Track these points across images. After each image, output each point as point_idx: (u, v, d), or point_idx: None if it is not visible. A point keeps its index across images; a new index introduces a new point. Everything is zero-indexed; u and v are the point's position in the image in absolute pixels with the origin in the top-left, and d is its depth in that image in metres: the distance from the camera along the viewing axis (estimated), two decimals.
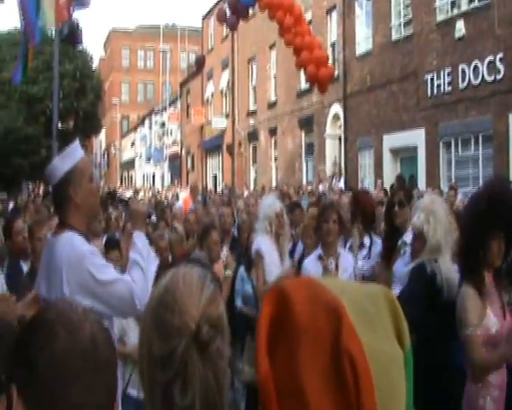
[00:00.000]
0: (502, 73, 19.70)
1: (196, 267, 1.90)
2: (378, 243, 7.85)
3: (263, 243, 7.55)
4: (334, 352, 1.59)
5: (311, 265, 7.19)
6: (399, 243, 7.40)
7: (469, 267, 4.88)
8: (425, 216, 5.67)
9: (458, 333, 4.90)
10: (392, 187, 19.78)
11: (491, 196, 4.88)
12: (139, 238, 4.33)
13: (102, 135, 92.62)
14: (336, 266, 6.98)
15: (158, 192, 37.13)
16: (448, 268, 5.42)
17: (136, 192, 34.84)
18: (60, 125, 28.88)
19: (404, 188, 16.42)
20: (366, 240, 7.94)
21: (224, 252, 8.77)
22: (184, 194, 28.27)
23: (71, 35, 17.06)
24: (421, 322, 5.07)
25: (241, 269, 8.17)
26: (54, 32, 16.23)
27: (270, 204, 7.87)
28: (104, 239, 9.11)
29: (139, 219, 4.46)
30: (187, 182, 51.65)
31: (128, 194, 30.75)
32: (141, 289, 4.07)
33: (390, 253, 7.30)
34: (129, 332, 6.49)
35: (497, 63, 19.81)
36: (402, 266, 6.68)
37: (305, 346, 1.62)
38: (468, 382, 4.87)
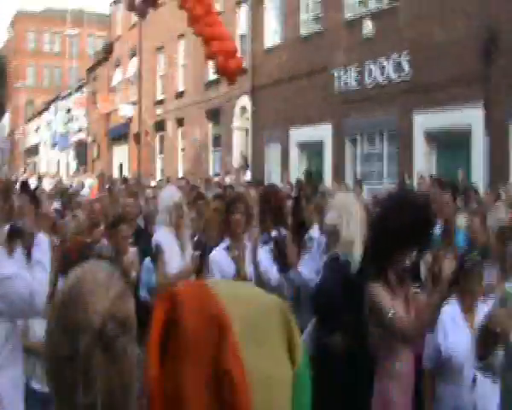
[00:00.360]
0: (406, 72, 20.10)
1: (104, 263, 1.86)
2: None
3: (162, 235, 7.48)
4: (216, 368, 1.59)
5: (219, 256, 7.11)
6: (306, 237, 7.46)
7: (377, 267, 5.00)
8: (338, 213, 5.84)
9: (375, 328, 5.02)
10: (298, 181, 19.96)
11: (415, 213, 4.92)
12: (44, 241, 4.33)
13: (6, 119, 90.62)
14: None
15: (61, 180, 36.46)
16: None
17: (40, 179, 34.10)
18: None
19: (311, 183, 16.62)
20: (274, 234, 7.89)
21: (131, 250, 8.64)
22: (91, 181, 27.88)
23: None
24: (339, 309, 5.28)
25: (147, 260, 8.10)
26: None
27: (170, 195, 7.81)
28: (6, 228, 8.89)
29: (47, 222, 4.38)
30: (92, 170, 51.01)
31: (32, 180, 30.07)
32: (43, 289, 3.98)
33: (296, 247, 7.35)
34: (33, 326, 6.32)
35: (403, 62, 20.20)
36: (310, 262, 6.74)
37: (190, 357, 1.63)
38: (376, 375, 5.00)
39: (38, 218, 4.37)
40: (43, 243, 4.28)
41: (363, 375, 5.31)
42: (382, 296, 4.90)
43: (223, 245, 7.26)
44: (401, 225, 4.80)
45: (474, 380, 5.25)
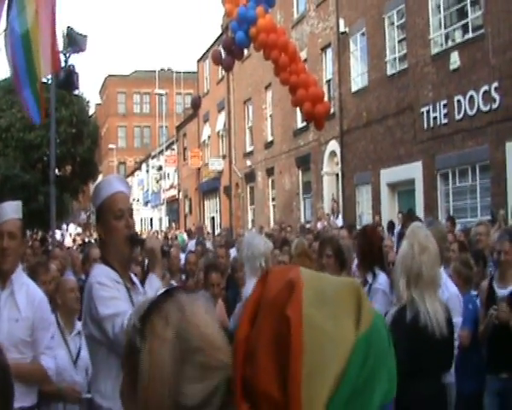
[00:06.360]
0: (497, 102, 19.63)
1: (202, 297, 1.82)
2: (380, 277, 7.48)
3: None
4: (281, 318, 1.62)
5: None
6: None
7: None
8: (409, 243, 5.45)
9: None
10: (391, 222, 19.78)
11: None
12: (154, 279, 4.35)
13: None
14: None
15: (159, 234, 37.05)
16: (434, 303, 5.23)
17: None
18: (57, 171, 28.82)
19: (413, 221, 16.40)
20: (369, 277, 7.55)
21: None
22: (182, 236, 28.21)
23: (66, 80, 16.96)
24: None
25: (238, 307, 7.90)
26: (49, 78, 16.03)
27: (264, 243, 7.69)
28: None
29: (156, 256, 4.44)
30: (185, 225, 51.64)
31: None
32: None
33: None
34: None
35: (493, 93, 19.76)
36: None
37: (263, 315, 1.66)
38: None
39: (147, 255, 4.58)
40: (154, 281, 4.32)
41: None
42: None
43: None
44: None
45: None
